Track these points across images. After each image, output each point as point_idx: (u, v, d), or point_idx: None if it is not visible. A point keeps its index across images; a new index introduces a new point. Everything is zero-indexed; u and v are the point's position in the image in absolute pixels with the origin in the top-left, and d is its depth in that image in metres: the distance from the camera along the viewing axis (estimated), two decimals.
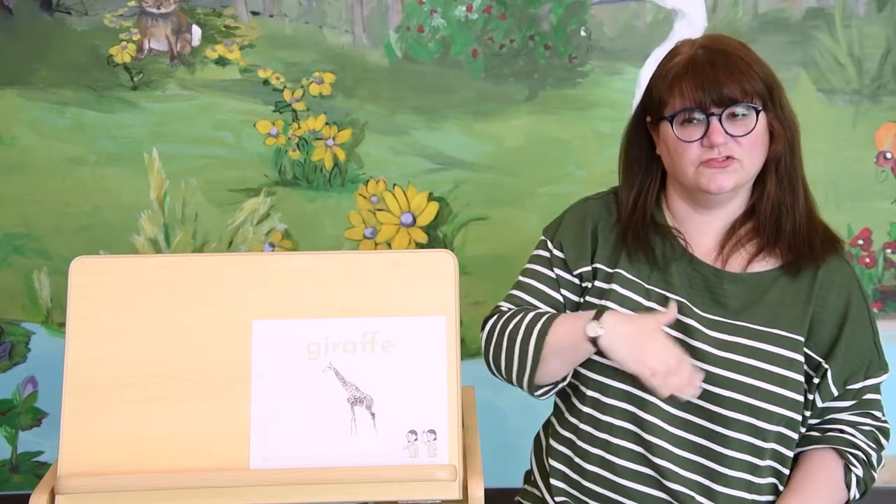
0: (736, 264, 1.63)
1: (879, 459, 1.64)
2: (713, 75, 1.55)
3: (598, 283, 1.67)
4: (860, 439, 1.62)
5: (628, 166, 1.70)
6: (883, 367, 1.64)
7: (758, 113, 1.57)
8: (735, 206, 1.64)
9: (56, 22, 2.51)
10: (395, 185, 2.59)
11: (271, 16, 2.53)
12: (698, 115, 1.56)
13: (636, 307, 1.63)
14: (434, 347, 1.61)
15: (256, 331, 1.61)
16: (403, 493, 1.56)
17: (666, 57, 1.63)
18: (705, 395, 1.57)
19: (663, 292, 1.63)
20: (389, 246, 2.61)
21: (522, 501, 1.81)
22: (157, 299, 1.62)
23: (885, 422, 1.66)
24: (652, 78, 1.64)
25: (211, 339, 1.60)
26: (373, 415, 1.58)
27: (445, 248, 2.35)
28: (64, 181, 2.56)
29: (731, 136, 1.56)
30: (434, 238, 2.61)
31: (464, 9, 2.53)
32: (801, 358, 1.59)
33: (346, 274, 1.64)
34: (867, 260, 2.62)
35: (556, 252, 1.72)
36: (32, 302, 2.61)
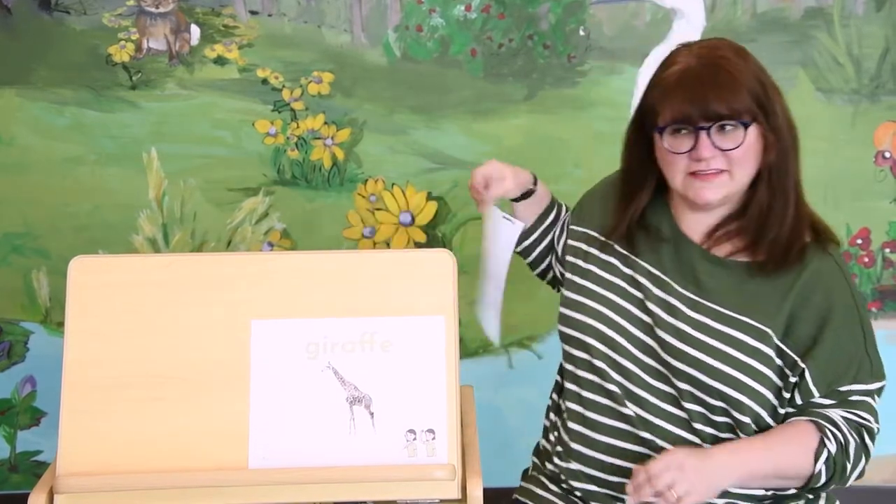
0: (721, 252, 1.65)
1: (859, 458, 1.58)
2: (701, 91, 1.55)
3: (586, 248, 1.75)
4: (843, 425, 1.58)
5: (629, 171, 1.73)
6: (876, 375, 1.61)
7: (746, 127, 1.56)
8: (728, 207, 1.65)
9: (55, 21, 2.50)
10: (393, 184, 2.59)
11: (270, 15, 2.53)
12: (686, 128, 1.57)
13: (621, 275, 1.69)
14: (433, 347, 1.61)
15: (255, 330, 1.61)
16: (402, 492, 1.56)
17: (662, 64, 1.63)
18: (673, 369, 1.60)
19: (650, 268, 1.67)
20: (388, 245, 2.61)
21: (520, 499, 1.81)
22: (156, 299, 1.62)
23: (872, 424, 1.61)
24: (648, 84, 1.65)
25: (210, 338, 1.61)
26: (371, 414, 1.58)
27: (444, 247, 2.35)
28: (63, 181, 2.56)
29: (720, 149, 1.56)
30: (433, 237, 2.61)
31: (462, 8, 2.53)
32: (769, 351, 1.58)
33: (345, 273, 1.64)
34: (866, 259, 2.62)
35: (570, 229, 1.81)
36: (31, 301, 2.61)
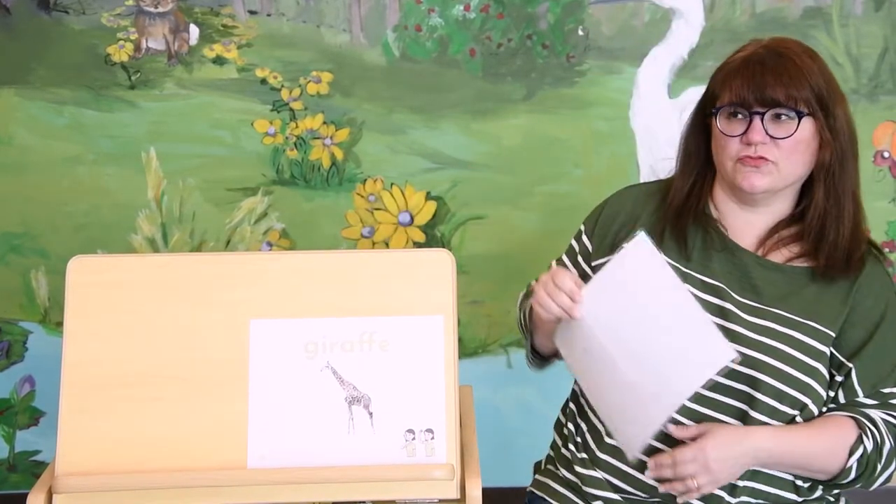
0: (777, 258, 1.64)
1: (890, 461, 1.60)
2: (761, 76, 1.56)
3: None
4: (881, 425, 1.60)
5: (686, 157, 1.71)
6: None
7: (801, 118, 1.57)
8: (779, 208, 1.65)
9: (54, 21, 2.50)
10: (392, 184, 2.59)
11: (269, 15, 2.53)
12: (742, 112, 1.58)
13: None
14: (432, 346, 1.61)
15: (254, 330, 1.61)
16: (401, 492, 1.56)
17: (732, 54, 1.65)
18: (740, 376, 1.58)
19: (702, 278, 1.64)
20: (387, 245, 2.61)
21: (536, 492, 1.79)
22: (155, 299, 1.62)
23: None
24: (714, 73, 1.66)
25: (208, 338, 1.60)
26: (370, 414, 1.58)
27: (443, 247, 2.35)
28: (62, 180, 2.55)
29: (772, 137, 1.57)
30: (432, 237, 2.61)
31: (461, 8, 2.53)
32: (828, 352, 1.60)
33: (344, 273, 1.64)
34: None
35: (586, 241, 1.75)
36: (30, 301, 2.61)
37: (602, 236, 1.73)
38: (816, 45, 2.50)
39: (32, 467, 2.66)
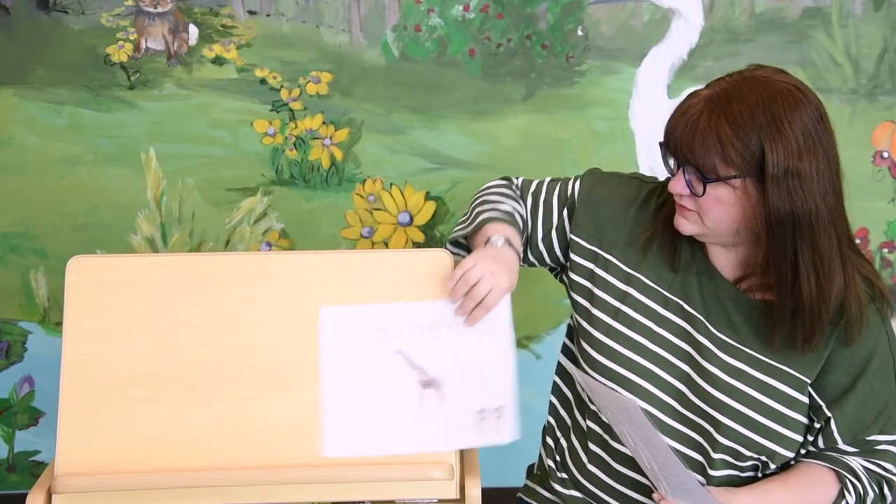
0: (756, 294, 1.57)
1: None
2: (679, 132, 1.48)
3: (611, 280, 1.63)
4: (863, 475, 1.55)
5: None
6: None
7: (706, 183, 1.47)
8: (746, 250, 1.56)
9: (53, 21, 2.50)
10: (392, 184, 2.59)
11: (268, 15, 2.53)
12: (672, 161, 1.52)
13: (651, 314, 1.60)
14: (497, 325, 1.60)
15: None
16: (401, 492, 1.56)
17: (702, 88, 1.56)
18: (704, 415, 1.56)
19: (682, 303, 1.59)
20: (386, 245, 2.61)
21: (524, 498, 1.80)
22: (154, 299, 1.62)
23: (894, 475, 1.57)
24: None
25: (207, 338, 1.60)
26: (443, 396, 1.57)
27: (443, 247, 2.35)
28: (61, 180, 2.55)
29: (690, 190, 1.49)
30: (431, 237, 2.61)
31: (461, 8, 2.53)
32: (805, 399, 1.55)
33: (343, 273, 1.64)
34: None
35: (579, 207, 1.68)
36: (29, 301, 2.61)
37: (589, 216, 1.67)
38: (816, 46, 2.52)
39: (32, 467, 2.66)
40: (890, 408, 1.56)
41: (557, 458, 1.74)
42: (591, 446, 1.67)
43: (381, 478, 1.55)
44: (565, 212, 1.69)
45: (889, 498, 1.58)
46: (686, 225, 1.54)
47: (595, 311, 1.64)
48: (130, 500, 1.54)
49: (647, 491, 1.60)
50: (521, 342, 2.61)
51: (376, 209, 2.60)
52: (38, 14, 2.50)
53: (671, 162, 1.52)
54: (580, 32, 2.54)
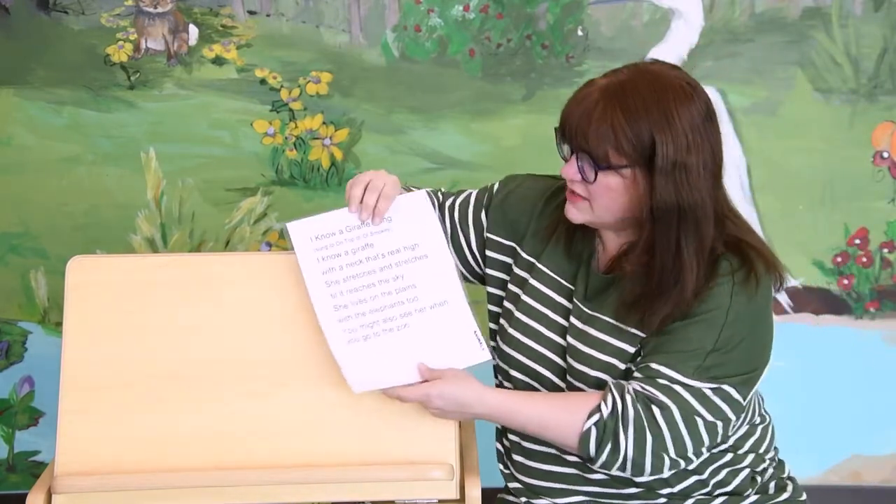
0: (618, 270, 1.62)
1: (641, 429, 1.52)
2: (575, 119, 1.56)
3: (517, 270, 1.72)
4: (629, 393, 1.53)
5: None
6: (698, 376, 1.53)
7: (598, 171, 1.54)
8: (633, 234, 1.61)
9: (53, 21, 2.50)
10: None
11: (268, 15, 2.53)
12: (566, 147, 1.59)
13: (545, 301, 1.68)
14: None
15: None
16: (401, 492, 1.56)
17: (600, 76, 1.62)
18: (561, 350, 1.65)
19: (573, 289, 1.66)
20: None
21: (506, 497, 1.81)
22: (154, 299, 1.62)
23: (669, 404, 1.53)
24: None
25: (207, 338, 1.61)
26: None
27: None
28: (61, 180, 2.55)
29: (582, 176, 1.56)
30: None
31: (461, 8, 2.53)
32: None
33: None
34: (864, 260, 2.62)
35: (495, 207, 1.76)
36: (29, 301, 2.61)
37: (503, 214, 1.75)
38: (816, 46, 2.52)
39: (32, 467, 2.66)
40: (692, 353, 1.54)
41: (508, 462, 1.78)
42: (511, 437, 1.73)
43: (381, 478, 1.56)
44: (483, 213, 1.78)
45: (665, 427, 1.52)
46: (575, 213, 1.61)
47: (506, 302, 1.74)
48: (130, 500, 1.55)
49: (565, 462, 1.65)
50: None
51: None
52: (38, 14, 2.50)
53: (565, 148, 1.59)
54: (580, 32, 2.54)
